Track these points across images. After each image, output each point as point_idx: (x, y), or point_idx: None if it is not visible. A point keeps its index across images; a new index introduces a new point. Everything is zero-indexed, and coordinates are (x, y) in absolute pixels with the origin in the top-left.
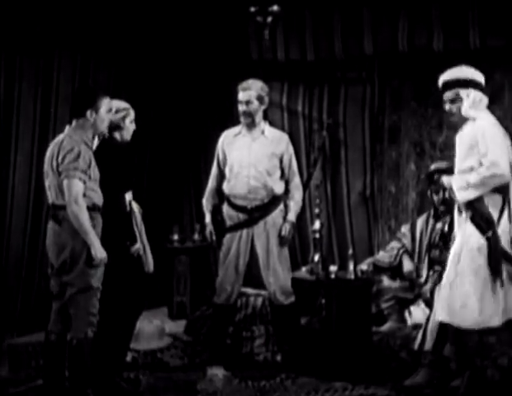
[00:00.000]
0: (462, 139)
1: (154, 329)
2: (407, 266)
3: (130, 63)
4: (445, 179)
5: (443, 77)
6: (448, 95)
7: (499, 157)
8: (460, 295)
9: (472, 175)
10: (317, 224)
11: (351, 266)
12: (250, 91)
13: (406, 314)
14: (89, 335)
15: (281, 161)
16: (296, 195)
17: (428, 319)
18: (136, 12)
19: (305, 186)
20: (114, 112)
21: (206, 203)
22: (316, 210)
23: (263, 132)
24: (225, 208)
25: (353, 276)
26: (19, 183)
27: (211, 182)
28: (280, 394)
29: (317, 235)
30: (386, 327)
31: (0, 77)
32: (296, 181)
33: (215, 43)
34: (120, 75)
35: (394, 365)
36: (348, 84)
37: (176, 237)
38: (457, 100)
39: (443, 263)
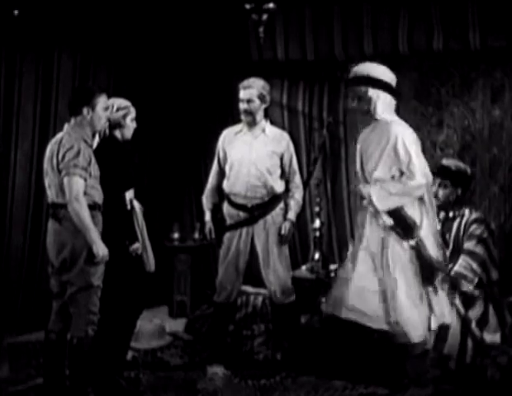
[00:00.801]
0: (376, 144)
1: (154, 328)
2: None
3: (131, 61)
4: (362, 188)
5: (355, 72)
6: (355, 90)
7: (423, 167)
8: (398, 308)
9: (395, 184)
10: (317, 223)
11: None
12: (251, 90)
13: None
14: (89, 334)
15: (281, 159)
16: (297, 193)
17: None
18: (136, 12)
19: (306, 184)
20: (115, 110)
21: (206, 201)
22: (316, 209)
23: (263, 130)
24: (225, 206)
25: None
26: (19, 182)
27: (211, 180)
28: (280, 393)
29: (317, 234)
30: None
31: (0, 77)
32: (297, 180)
33: (216, 42)
34: (121, 74)
35: (394, 364)
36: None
37: (176, 235)
38: (364, 98)
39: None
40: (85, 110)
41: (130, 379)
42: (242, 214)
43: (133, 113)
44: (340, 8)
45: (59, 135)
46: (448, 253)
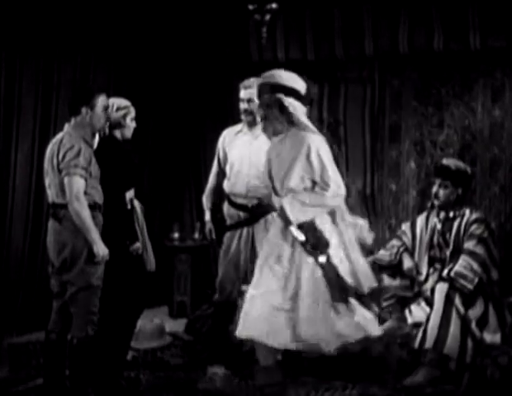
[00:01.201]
0: (287, 152)
1: (154, 328)
2: (407, 264)
3: (131, 62)
4: (275, 199)
5: (265, 79)
6: (266, 98)
7: (338, 178)
8: (305, 324)
9: (308, 194)
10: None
11: None
12: (252, 90)
13: (406, 313)
14: (90, 333)
15: None
16: None
17: (428, 318)
18: (137, 12)
19: None
20: (115, 110)
21: (206, 201)
22: None
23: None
24: (226, 206)
25: None
26: (20, 182)
27: (212, 180)
28: (280, 393)
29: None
30: (386, 325)
31: (1, 77)
32: None
33: (216, 42)
34: (121, 74)
35: (394, 364)
36: (349, 84)
37: (176, 235)
38: (275, 106)
39: (443, 261)
40: (84, 110)
41: (131, 379)
42: (242, 214)
43: (133, 113)
44: (340, 8)
45: (59, 135)
46: (448, 253)
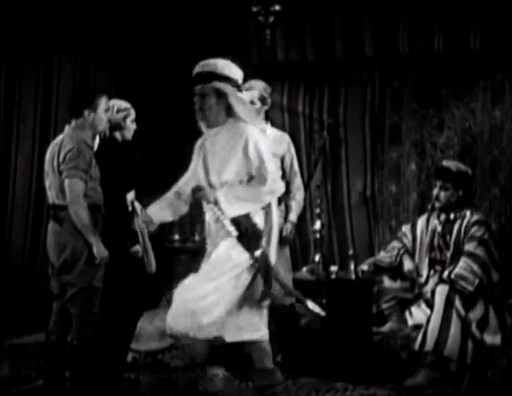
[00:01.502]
0: (225, 144)
1: (154, 330)
2: (408, 265)
3: (131, 63)
4: (209, 193)
5: (202, 68)
6: (204, 88)
7: (276, 172)
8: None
9: (243, 188)
10: (318, 225)
11: (351, 267)
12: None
13: (407, 315)
14: (90, 335)
15: (282, 161)
16: (297, 195)
17: (428, 320)
18: (137, 13)
19: (306, 186)
20: (115, 112)
21: None
22: (317, 211)
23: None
24: None
25: (353, 277)
26: (20, 184)
27: None
28: (281, 395)
29: (318, 235)
30: (386, 327)
31: (1, 77)
32: (297, 182)
33: (216, 43)
34: (121, 75)
35: (394, 365)
36: (349, 85)
37: (176, 237)
38: (209, 95)
39: (443, 263)
40: (86, 112)
41: (131, 380)
42: None
43: (133, 114)
44: (340, 10)
45: (59, 137)
46: (448, 255)
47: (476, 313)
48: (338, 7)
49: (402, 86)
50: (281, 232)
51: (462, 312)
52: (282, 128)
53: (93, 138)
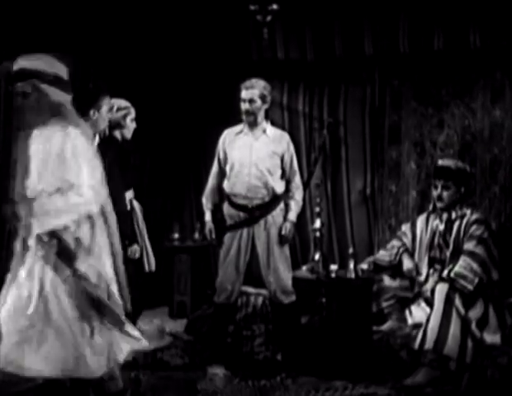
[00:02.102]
0: (40, 149)
1: (154, 328)
2: (407, 264)
3: (131, 62)
4: (19, 205)
5: (19, 65)
6: (20, 86)
7: (96, 182)
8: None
9: (56, 199)
10: (317, 223)
11: (351, 265)
12: (253, 90)
13: (407, 313)
14: None
15: (282, 160)
16: (297, 194)
17: (428, 319)
18: (137, 12)
19: (306, 185)
20: (115, 111)
21: (206, 201)
22: (317, 209)
23: (264, 131)
24: (226, 207)
25: (353, 275)
26: None
27: (212, 181)
28: (280, 393)
29: (317, 234)
30: (386, 326)
31: (1, 77)
32: (297, 181)
33: (216, 42)
34: (121, 74)
35: (394, 364)
36: (349, 83)
37: (176, 235)
38: (28, 94)
39: (443, 262)
40: (91, 112)
41: (130, 379)
42: (242, 215)
43: (133, 113)
44: (340, 8)
45: None
46: (448, 254)
47: (475, 312)
48: (338, 6)
49: (402, 85)
50: (280, 231)
51: (462, 311)
52: (282, 127)
53: (93, 136)
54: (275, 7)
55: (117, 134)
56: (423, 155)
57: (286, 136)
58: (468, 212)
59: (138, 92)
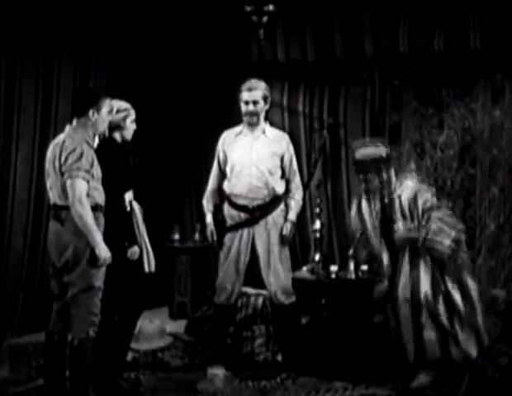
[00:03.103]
0: None
1: (154, 329)
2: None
3: (131, 62)
4: None
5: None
6: None
7: None
8: None
9: None
10: (318, 224)
11: (351, 266)
12: (257, 92)
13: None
14: (91, 335)
15: (281, 160)
16: (297, 194)
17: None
18: (137, 12)
19: (306, 185)
20: (115, 112)
21: (207, 203)
22: (317, 210)
23: (263, 132)
24: (226, 207)
25: (353, 276)
26: (20, 182)
27: (212, 182)
28: (280, 394)
29: (318, 235)
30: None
31: (1, 76)
32: (297, 181)
33: (215, 43)
34: (121, 74)
35: (394, 365)
36: (349, 84)
37: (176, 236)
38: None
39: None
40: (91, 113)
41: (131, 379)
42: (243, 215)
43: (133, 115)
44: (341, 9)
45: (60, 136)
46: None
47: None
48: (338, 6)
49: (402, 85)
50: (281, 231)
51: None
52: (282, 127)
53: (93, 137)
54: (271, 8)
55: (117, 135)
56: (423, 156)
57: (285, 136)
58: (397, 186)
59: (138, 93)
